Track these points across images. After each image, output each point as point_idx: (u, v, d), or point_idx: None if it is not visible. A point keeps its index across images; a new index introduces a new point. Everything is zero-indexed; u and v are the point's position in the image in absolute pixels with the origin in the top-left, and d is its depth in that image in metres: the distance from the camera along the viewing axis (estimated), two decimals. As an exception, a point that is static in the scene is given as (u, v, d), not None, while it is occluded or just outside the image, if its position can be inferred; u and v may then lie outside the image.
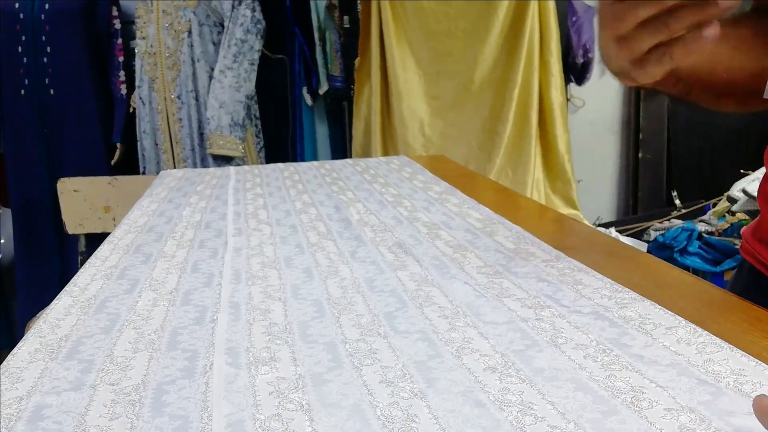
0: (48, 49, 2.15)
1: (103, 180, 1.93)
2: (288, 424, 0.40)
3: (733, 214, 1.99)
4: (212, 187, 1.13)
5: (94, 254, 0.77)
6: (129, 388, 0.45)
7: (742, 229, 0.70)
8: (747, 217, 1.93)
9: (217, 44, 2.16)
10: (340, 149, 2.46)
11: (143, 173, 2.26)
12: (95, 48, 2.25)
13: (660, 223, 2.20)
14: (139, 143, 2.26)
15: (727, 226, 1.93)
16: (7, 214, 2.36)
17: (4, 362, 0.50)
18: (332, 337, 0.52)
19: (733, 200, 2.01)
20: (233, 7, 2.10)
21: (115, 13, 2.26)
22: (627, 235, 2.20)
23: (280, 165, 1.33)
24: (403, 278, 0.64)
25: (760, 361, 0.43)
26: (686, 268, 1.80)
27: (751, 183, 1.97)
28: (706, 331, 0.48)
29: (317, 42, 2.29)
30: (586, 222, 2.27)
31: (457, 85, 2.23)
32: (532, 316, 0.53)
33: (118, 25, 2.26)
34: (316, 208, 0.95)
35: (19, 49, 2.15)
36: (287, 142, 2.42)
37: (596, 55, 2.48)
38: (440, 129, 2.26)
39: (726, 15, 0.41)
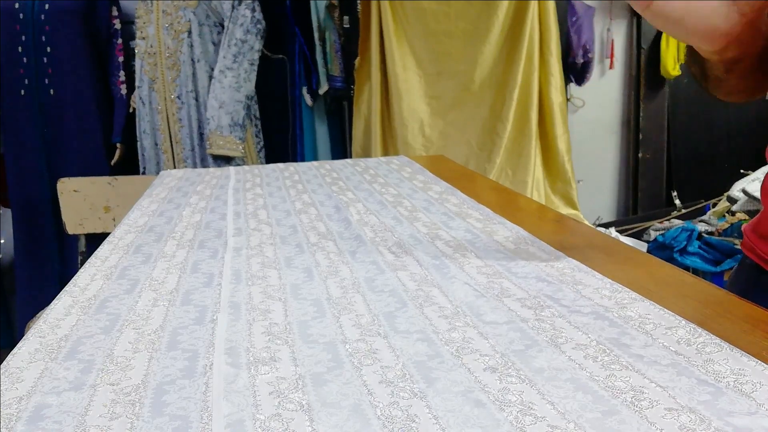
0: (48, 49, 2.15)
1: (103, 180, 1.93)
2: (288, 424, 0.40)
3: (733, 214, 1.99)
4: (212, 187, 1.13)
5: (94, 254, 0.77)
6: (129, 388, 0.45)
7: (743, 226, 0.70)
8: (747, 217, 1.93)
9: (217, 44, 2.16)
10: (340, 149, 2.46)
11: (143, 173, 2.26)
12: (95, 48, 2.25)
13: (660, 223, 2.20)
14: (139, 143, 2.26)
15: (727, 226, 1.94)
16: (7, 214, 2.36)
17: (4, 362, 0.50)
18: (332, 337, 0.52)
19: (733, 200, 2.01)
20: (233, 7, 2.11)
21: (115, 13, 2.26)
22: (627, 235, 2.20)
23: (280, 165, 1.33)
24: (403, 278, 0.64)
25: (760, 361, 0.43)
26: (686, 268, 1.80)
27: (751, 183, 1.97)
28: (706, 331, 0.48)
29: (317, 42, 2.29)
30: (586, 222, 2.27)
31: (457, 85, 2.23)
32: (532, 316, 0.53)
33: (118, 25, 2.26)
34: (316, 208, 0.95)
35: (19, 49, 2.15)
36: (287, 142, 2.42)
37: (596, 55, 2.48)
38: (440, 129, 2.26)
39: None
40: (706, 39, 0.51)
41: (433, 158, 1.45)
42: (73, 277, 0.69)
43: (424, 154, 2.17)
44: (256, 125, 2.29)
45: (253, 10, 2.12)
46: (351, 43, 2.27)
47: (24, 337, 0.54)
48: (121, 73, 2.28)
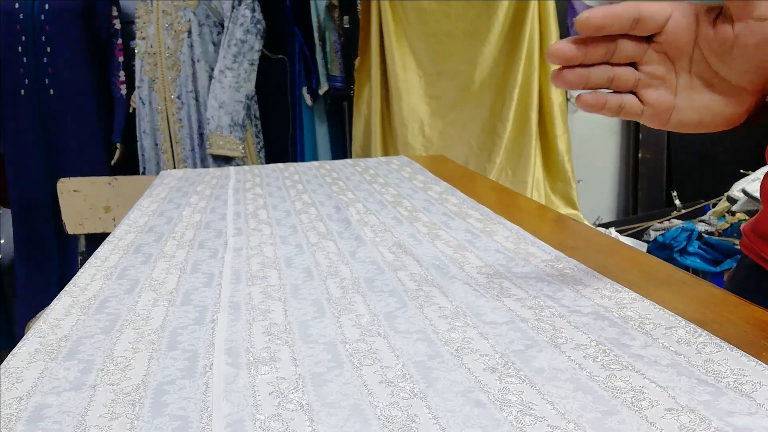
0: (48, 49, 2.16)
1: (103, 180, 1.93)
2: (288, 424, 0.40)
3: (733, 214, 1.99)
4: (212, 187, 1.13)
5: (94, 254, 0.77)
6: (129, 388, 0.45)
7: (742, 226, 0.70)
8: (747, 217, 1.93)
9: (217, 44, 2.16)
10: (340, 149, 2.46)
11: (143, 173, 2.26)
12: (95, 48, 2.25)
13: (660, 223, 2.20)
14: (138, 143, 2.26)
15: (727, 226, 1.94)
16: (7, 214, 2.36)
17: (4, 362, 0.50)
18: (332, 337, 0.52)
19: (733, 200, 2.01)
20: (233, 7, 2.11)
21: (115, 13, 2.26)
22: (627, 235, 2.20)
23: (280, 165, 1.33)
24: (403, 278, 0.64)
25: (760, 361, 0.43)
26: (686, 268, 1.80)
27: (751, 183, 1.97)
28: (706, 331, 0.48)
29: (317, 42, 2.29)
30: (586, 222, 2.27)
31: (457, 85, 2.23)
32: (532, 316, 0.53)
33: (118, 25, 2.27)
34: (316, 208, 0.95)
35: (19, 49, 2.15)
36: (287, 142, 2.42)
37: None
38: (440, 129, 2.26)
39: None
40: (730, 125, 0.52)
41: (433, 158, 1.45)
42: (73, 277, 0.69)
43: (424, 154, 2.17)
44: (256, 125, 2.29)
45: (253, 10, 2.12)
46: (351, 43, 2.27)
47: (24, 337, 0.54)
48: (121, 73, 2.28)
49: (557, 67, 0.50)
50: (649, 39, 0.49)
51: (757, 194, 1.88)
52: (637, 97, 0.52)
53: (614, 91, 0.51)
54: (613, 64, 0.50)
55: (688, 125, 0.52)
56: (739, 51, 0.47)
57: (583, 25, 0.47)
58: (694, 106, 0.51)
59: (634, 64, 0.51)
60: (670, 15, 0.48)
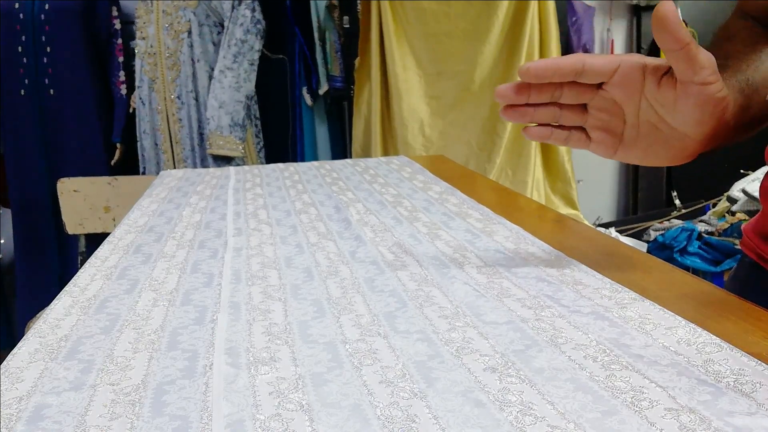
0: (48, 49, 2.16)
1: (103, 180, 1.93)
2: (288, 424, 0.40)
3: (733, 214, 1.99)
4: (212, 187, 1.13)
5: (94, 254, 0.77)
6: (129, 388, 0.45)
7: (743, 225, 0.71)
8: (747, 217, 1.93)
9: (217, 44, 2.16)
10: (340, 149, 2.46)
11: (143, 173, 2.26)
12: (95, 48, 2.25)
13: (660, 223, 2.20)
14: (138, 143, 2.26)
15: (727, 226, 1.94)
16: (7, 214, 2.36)
17: (4, 362, 0.50)
18: (332, 337, 0.52)
19: (733, 200, 2.01)
20: (233, 7, 2.11)
21: (115, 13, 2.26)
22: (627, 235, 2.20)
23: (280, 165, 1.33)
24: (403, 278, 0.64)
25: (760, 361, 0.43)
26: (686, 268, 1.80)
27: (751, 183, 1.97)
28: (706, 331, 0.48)
29: (317, 42, 2.29)
30: (586, 222, 2.27)
31: (457, 85, 2.23)
32: (532, 316, 0.53)
33: (118, 25, 2.27)
34: (316, 208, 0.95)
35: (19, 49, 2.15)
36: (287, 142, 2.42)
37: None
38: (440, 129, 2.26)
39: None
40: (673, 163, 0.55)
41: (433, 158, 1.45)
42: (73, 277, 0.69)
43: (424, 154, 2.17)
44: (256, 125, 2.29)
45: (253, 10, 2.12)
46: (351, 43, 2.27)
47: (24, 337, 0.54)
48: (121, 73, 2.28)
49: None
50: (600, 85, 0.52)
51: (757, 194, 1.88)
52: (586, 131, 0.55)
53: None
54: (562, 105, 0.54)
55: (633, 159, 0.56)
56: (681, 108, 0.50)
57: (523, 74, 0.50)
58: (638, 145, 0.54)
59: (585, 104, 0.54)
60: (617, 68, 0.51)
